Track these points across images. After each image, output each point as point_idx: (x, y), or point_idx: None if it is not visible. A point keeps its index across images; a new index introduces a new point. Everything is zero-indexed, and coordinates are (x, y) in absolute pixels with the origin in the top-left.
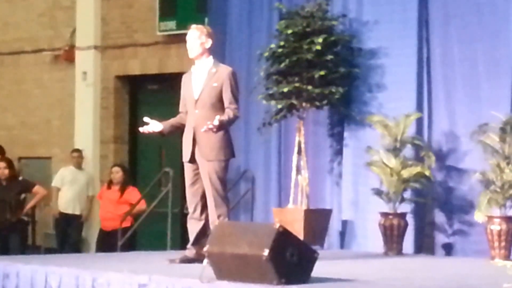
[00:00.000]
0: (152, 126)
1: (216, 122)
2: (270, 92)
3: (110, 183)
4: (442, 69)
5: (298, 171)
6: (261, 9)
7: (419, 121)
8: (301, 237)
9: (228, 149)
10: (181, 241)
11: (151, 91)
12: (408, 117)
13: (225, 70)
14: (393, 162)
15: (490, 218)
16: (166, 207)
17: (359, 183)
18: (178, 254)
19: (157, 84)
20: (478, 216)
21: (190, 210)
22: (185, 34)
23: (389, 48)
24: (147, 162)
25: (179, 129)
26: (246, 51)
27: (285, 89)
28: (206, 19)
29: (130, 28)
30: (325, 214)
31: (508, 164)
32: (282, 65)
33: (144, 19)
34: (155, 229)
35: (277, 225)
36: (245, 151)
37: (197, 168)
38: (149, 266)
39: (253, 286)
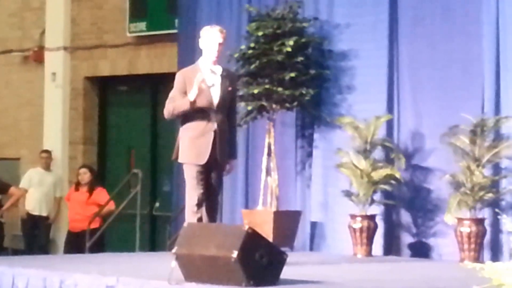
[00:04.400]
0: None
1: (232, 169)
2: (240, 93)
3: (78, 185)
4: (411, 71)
5: (268, 172)
6: (231, 11)
7: (390, 123)
8: (270, 239)
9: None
10: (149, 243)
11: (120, 93)
12: (378, 119)
13: (233, 73)
14: (363, 164)
15: (460, 220)
16: (135, 208)
17: (329, 185)
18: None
19: (127, 86)
20: (448, 218)
21: (195, 208)
22: (155, 36)
23: (359, 50)
24: (116, 163)
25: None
26: None
27: (255, 91)
28: (177, 21)
29: (100, 29)
30: (295, 216)
31: (478, 166)
32: (253, 66)
33: (114, 20)
34: (124, 231)
35: (246, 227)
36: None
37: (205, 170)
38: (117, 267)
39: None
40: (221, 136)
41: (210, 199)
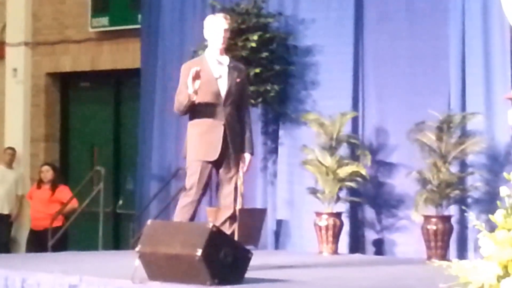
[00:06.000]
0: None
1: (247, 164)
2: None
3: (40, 182)
4: (376, 67)
5: None
6: (195, 5)
7: (355, 120)
8: (235, 237)
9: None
10: (113, 241)
11: (83, 89)
12: (344, 116)
13: (240, 65)
14: (328, 161)
15: (427, 217)
16: (98, 206)
17: (294, 182)
18: None
19: (89, 81)
20: (415, 216)
21: (197, 197)
22: (117, 31)
23: (325, 46)
24: (79, 160)
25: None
26: (179, 48)
27: None
28: (139, 16)
29: (62, 24)
30: (260, 214)
31: (444, 163)
32: None
33: (76, 15)
34: (87, 229)
35: (211, 225)
36: (177, 149)
37: (213, 167)
38: (81, 266)
39: (185, 286)
40: (232, 131)
41: (227, 198)
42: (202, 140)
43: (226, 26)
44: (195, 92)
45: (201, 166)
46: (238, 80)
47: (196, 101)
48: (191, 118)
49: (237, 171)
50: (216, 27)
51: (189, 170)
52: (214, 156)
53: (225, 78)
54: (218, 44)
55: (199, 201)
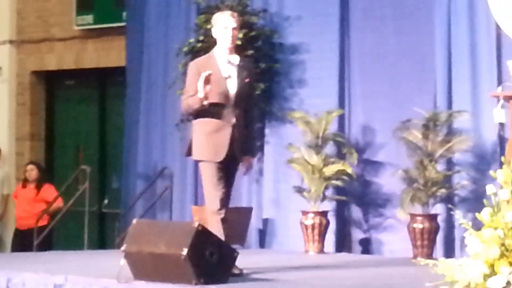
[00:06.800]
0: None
1: (249, 168)
2: None
3: (25, 181)
4: (362, 65)
5: None
6: (179, 3)
7: (341, 118)
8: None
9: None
10: (98, 240)
11: (68, 87)
12: (330, 114)
13: (249, 63)
14: (314, 159)
15: (413, 216)
16: (83, 205)
17: (280, 181)
18: None
19: (74, 80)
20: (401, 214)
21: (219, 209)
22: (102, 29)
23: (310, 44)
24: (64, 159)
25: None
26: (164, 45)
27: None
28: (124, 14)
29: (46, 22)
30: (246, 213)
31: (431, 161)
32: None
33: (61, 13)
34: (72, 228)
35: (196, 224)
36: (162, 148)
37: (225, 167)
38: (66, 265)
39: (171, 286)
40: (240, 131)
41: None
42: (209, 140)
43: (235, 25)
44: (206, 97)
45: (215, 167)
46: (247, 80)
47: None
48: (197, 116)
49: (235, 173)
50: (224, 25)
51: (201, 172)
52: (220, 157)
53: (234, 78)
54: (227, 43)
55: (225, 194)
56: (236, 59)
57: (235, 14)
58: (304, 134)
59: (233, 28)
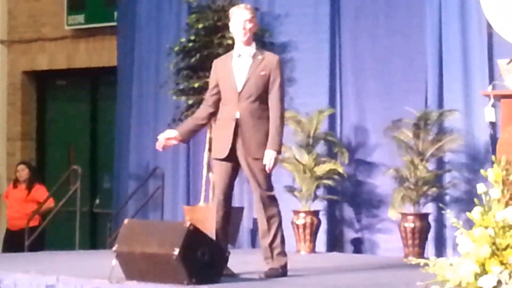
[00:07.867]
0: (167, 139)
1: (268, 161)
2: (181, 87)
3: (16, 182)
4: (353, 64)
5: (209, 168)
6: (171, 3)
7: (332, 117)
8: (212, 235)
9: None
10: (90, 240)
11: (59, 87)
12: (321, 113)
13: (273, 58)
14: (306, 158)
15: (404, 215)
16: (75, 205)
17: (271, 180)
18: None
19: (65, 80)
20: (392, 214)
21: (217, 206)
22: (94, 29)
23: (301, 42)
24: (55, 159)
25: (197, 131)
26: (155, 45)
27: (196, 85)
28: (116, 13)
29: (37, 22)
30: (237, 213)
31: (422, 160)
32: (193, 60)
33: (52, 13)
34: (64, 228)
35: (188, 224)
36: (154, 148)
37: (233, 166)
38: (57, 266)
39: (163, 286)
40: (246, 127)
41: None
42: (215, 137)
43: (247, 17)
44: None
45: (217, 164)
46: (263, 73)
47: (221, 96)
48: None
49: (254, 172)
50: (236, 19)
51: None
52: (223, 153)
53: (245, 71)
54: (240, 37)
55: (225, 200)
56: (247, 51)
57: (249, 6)
58: (295, 134)
59: (245, 21)
